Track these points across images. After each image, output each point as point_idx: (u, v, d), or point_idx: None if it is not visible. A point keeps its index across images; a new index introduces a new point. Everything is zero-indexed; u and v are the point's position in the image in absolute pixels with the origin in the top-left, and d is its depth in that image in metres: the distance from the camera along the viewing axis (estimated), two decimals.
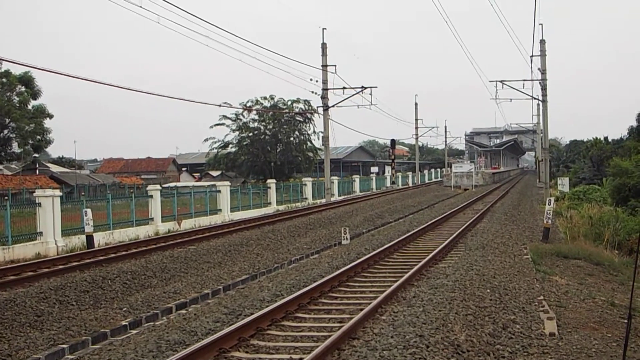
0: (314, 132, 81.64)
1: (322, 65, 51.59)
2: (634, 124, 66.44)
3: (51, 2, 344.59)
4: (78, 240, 27.19)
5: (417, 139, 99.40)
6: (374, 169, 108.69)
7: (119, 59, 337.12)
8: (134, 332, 14.37)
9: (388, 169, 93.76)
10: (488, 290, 15.28)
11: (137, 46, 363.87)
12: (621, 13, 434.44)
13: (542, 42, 48.63)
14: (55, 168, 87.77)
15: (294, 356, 10.74)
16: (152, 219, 33.86)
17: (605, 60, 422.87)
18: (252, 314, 13.11)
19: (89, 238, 26.25)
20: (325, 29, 51.57)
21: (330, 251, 26.15)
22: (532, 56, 50.16)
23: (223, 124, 79.66)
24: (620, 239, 29.52)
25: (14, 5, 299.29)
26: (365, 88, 54.05)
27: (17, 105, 64.67)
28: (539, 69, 49.12)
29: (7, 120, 64.64)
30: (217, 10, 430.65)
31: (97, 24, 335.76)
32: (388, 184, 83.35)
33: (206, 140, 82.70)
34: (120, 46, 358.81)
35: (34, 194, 28.26)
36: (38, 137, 67.62)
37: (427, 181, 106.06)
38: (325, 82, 51.71)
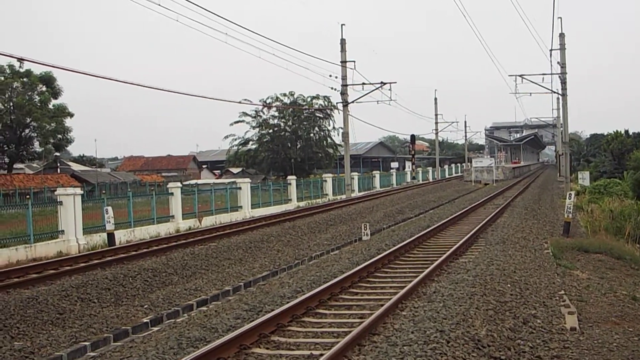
0: (334, 128, 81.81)
1: (341, 62, 51.59)
2: None
3: (66, 4, 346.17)
4: (99, 238, 27.36)
5: (437, 134, 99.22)
6: (394, 165, 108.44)
7: (137, 57, 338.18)
8: (155, 329, 14.43)
9: (408, 164, 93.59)
10: (509, 285, 15.24)
11: (156, 45, 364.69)
12: None
13: (562, 35, 48.43)
14: (76, 166, 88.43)
15: (314, 352, 10.76)
16: (172, 216, 33.99)
17: (626, 53, 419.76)
18: (272, 310, 13.12)
19: (110, 236, 26.38)
20: (344, 24, 51.39)
21: (351, 247, 26.16)
22: (551, 50, 49.97)
23: (243, 121, 79.97)
24: None
25: (30, 5, 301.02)
26: (385, 84, 54.00)
27: (38, 104, 65.11)
28: (558, 62, 48.90)
29: (29, 120, 65.11)
30: (235, 6, 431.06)
31: (115, 22, 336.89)
32: (408, 179, 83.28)
33: (226, 137, 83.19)
34: (139, 45, 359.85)
35: (56, 193, 28.43)
36: (59, 136, 68.09)
37: (447, 176, 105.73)
38: (344, 78, 51.71)
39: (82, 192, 29.14)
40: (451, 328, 11.02)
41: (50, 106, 66.80)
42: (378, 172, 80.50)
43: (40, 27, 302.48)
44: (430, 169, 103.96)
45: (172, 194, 34.50)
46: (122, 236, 28.48)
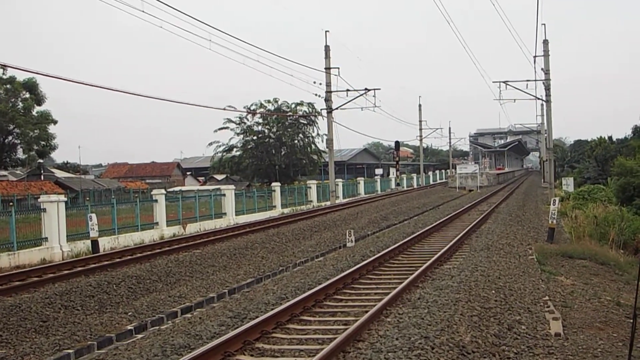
0: (318, 134, 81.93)
1: (326, 68, 51.61)
2: (639, 123, 66.50)
3: (50, 10, 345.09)
4: (83, 245, 27.24)
5: (421, 140, 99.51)
6: (379, 171, 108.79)
7: (120, 64, 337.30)
8: (140, 336, 14.37)
9: (392, 170, 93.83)
10: (493, 291, 15.26)
11: (140, 51, 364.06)
12: (628, 11, 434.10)
13: (545, 42, 48.66)
14: (60, 173, 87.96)
15: (299, 359, 10.74)
16: (157, 223, 33.89)
17: (609, 59, 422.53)
18: (257, 317, 13.10)
19: (94, 243, 26.29)
20: (328, 31, 51.35)
21: (335, 254, 26.15)
22: (535, 56, 50.16)
23: (227, 128, 79.95)
24: (625, 238, 29.52)
25: (15, 11, 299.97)
26: (369, 90, 53.99)
27: (22, 111, 64.80)
28: (542, 69, 49.11)
29: (12, 127, 64.79)
30: (219, 13, 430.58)
31: (98, 30, 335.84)
32: (393, 185, 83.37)
33: (211, 144, 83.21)
34: (122, 51, 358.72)
35: (39, 200, 28.30)
36: (42, 142, 67.77)
37: (431, 182, 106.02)
38: (328, 84, 51.71)
39: (65, 199, 29.03)
40: (436, 334, 11.03)
41: (34, 113, 66.49)
42: (362, 178, 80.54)
43: (24, 33, 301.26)
44: (414, 175, 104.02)
45: (156, 200, 34.41)
46: (106, 243, 28.38)
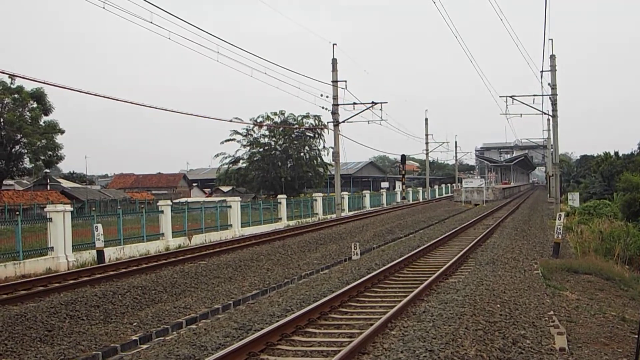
0: (324, 147, 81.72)
1: (333, 81, 51.70)
2: None
3: (56, 18, 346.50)
4: (89, 255, 27.27)
5: (427, 154, 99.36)
6: (385, 185, 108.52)
7: (128, 74, 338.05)
8: (144, 346, 14.37)
9: (398, 184, 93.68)
10: (498, 305, 15.25)
11: (147, 61, 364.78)
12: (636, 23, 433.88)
13: (552, 57, 48.67)
14: (66, 183, 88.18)
15: None
16: (162, 234, 33.92)
17: (616, 74, 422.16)
18: (262, 328, 13.12)
19: (100, 253, 26.31)
20: (335, 44, 51.62)
21: (341, 266, 26.13)
22: (542, 71, 50.24)
23: (234, 140, 79.82)
24: (631, 254, 29.42)
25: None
26: (376, 104, 54.11)
27: (29, 121, 64.86)
28: (549, 84, 49.10)
29: (19, 136, 64.86)
30: (227, 25, 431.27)
31: (106, 38, 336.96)
32: (398, 199, 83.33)
33: (217, 155, 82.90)
34: (129, 61, 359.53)
35: (45, 209, 28.35)
36: (49, 152, 67.75)
37: (437, 196, 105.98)
38: (335, 97, 51.81)
39: (71, 209, 29.05)
40: (440, 348, 11.02)
41: (41, 123, 66.56)
42: (368, 191, 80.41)
43: (33, 44, 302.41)
44: (420, 189, 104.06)
45: (162, 211, 34.45)
46: (112, 253, 28.40)
